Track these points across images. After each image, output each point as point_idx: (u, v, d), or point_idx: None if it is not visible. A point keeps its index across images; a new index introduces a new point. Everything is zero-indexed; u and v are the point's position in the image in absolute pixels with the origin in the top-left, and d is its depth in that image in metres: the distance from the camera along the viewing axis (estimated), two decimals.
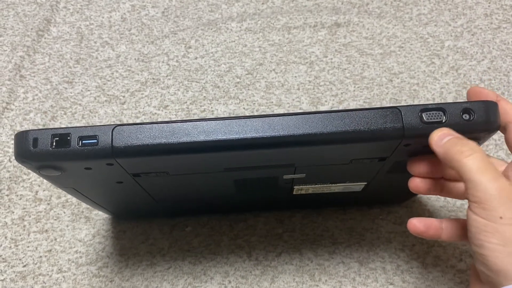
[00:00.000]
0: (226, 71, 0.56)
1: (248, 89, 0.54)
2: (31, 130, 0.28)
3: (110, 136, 0.28)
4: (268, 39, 0.59)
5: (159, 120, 0.52)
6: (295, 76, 0.55)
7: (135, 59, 0.57)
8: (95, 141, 0.28)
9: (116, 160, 0.29)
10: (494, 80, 0.55)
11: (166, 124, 0.28)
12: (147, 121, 0.52)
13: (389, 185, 0.40)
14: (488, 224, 0.27)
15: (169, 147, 0.28)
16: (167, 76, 0.56)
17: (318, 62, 0.57)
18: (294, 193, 0.39)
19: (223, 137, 0.28)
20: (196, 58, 0.57)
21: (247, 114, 0.52)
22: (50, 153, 0.28)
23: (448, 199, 0.46)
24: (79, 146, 0.28)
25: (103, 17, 0.61)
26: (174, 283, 0.42)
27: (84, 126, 0.29)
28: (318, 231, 0.45)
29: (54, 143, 0.28)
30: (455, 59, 0.57)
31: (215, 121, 0.28)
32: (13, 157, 0.48)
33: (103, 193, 0.37)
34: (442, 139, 0.28)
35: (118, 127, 0.28)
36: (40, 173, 0.30)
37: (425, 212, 0.46)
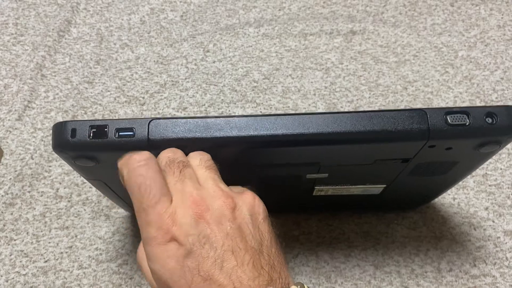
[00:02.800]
0: (243, 75, 0.57)
1: (265, 94, 0.55)
2: (70, 121, 0.29)
3: (147, 129, 0.29)
4: (284, 44, 0.60)
5: None
6: (311, 82, 0.56)
7: (154, 61, 0.58)
8: (132, 133, 0.29)
9: (151, 153, 0.29)
10: (507, 90, 0.55)
11: (201, 119, 0.29)
12: None
13: (406, 189, 0.40)
14: None
15: (202, 141, 0.29)
16: (185, 78, 0.57)
17: (334, 68, 0.58)
18: (314, 194, 0.40)
19: (254, 133, 0.29)
20: (214, 61, 0.58)
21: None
22: (88, 144, 0.29)
23: (462, 205, 0.47)
24: (116, 138, 0.29)
25: (122, 19, 0.63)
26: None
27: (121, 119, 0.29)
28: (334, 234, 0.45)
29: (91, 134, 0.29)
30: (469, 69, 0.58)
31: (247, 118, 0.29)
32: (35, 154, 0.49)
33: None
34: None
35: (154, 120, 0.29)
36: (75, 163, 0.31)
37: (439, 217, 0.46)
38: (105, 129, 0.29)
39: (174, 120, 0.29)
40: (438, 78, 0.57)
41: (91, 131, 0.29)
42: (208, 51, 0.59)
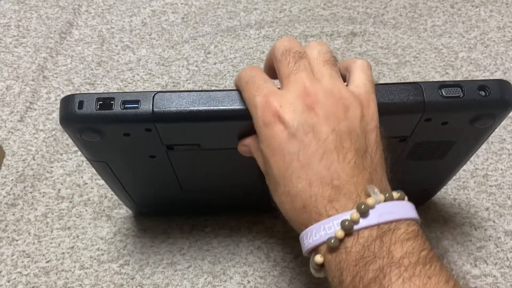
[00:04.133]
0: None
1: None
2: (77, 94, 0.30)
3: (151, 101, 0.29)
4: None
5: None
6: None
7: (155, 63, 0.58)
8: (137, 105, 0.29)
9: (155, 126, 0.30)
10: None
11: (204, 92, 0.30)
12: None
13: (406, 179, 0.40)
14: None
15: (205, 113, 0.30)
16: (187, 80, 0.57)
17: None
18: None
19: None
20: (215, 63, 0.59)
21: None
22: (94, 115, 0.29)
23: (462, 205, 0.47)
24: (122, 110, 0.29)
25: (124, 21, 0.63)
26: (194, 282, 0.43)
27: (127, 92, 0.30)
28: None
29: (98, 106, 0.29)
30: (469, 70, 0.58)
31: None
32: (37, 155, 0.50)
33: (133, 171, 0.38)
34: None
35: (159, 93, 0.30)
36: (81, 137, 0.31)
37: (440, 218, 0.47)
38: (111, 102, 0.29)
39: (178, 93, 0.30)
40: (439, 79, 0.57)
41: (98, 104, 0.29)
42: (209, 53, 0.60)
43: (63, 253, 0.44)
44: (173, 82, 0.57)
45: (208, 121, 0.30)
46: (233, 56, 0.59)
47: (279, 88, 0.29)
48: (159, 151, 0.34)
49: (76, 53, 0.59)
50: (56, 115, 0.54)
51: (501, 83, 0.31)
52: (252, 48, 0.60)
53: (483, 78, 0.57)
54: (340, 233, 0.25)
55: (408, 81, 0.57)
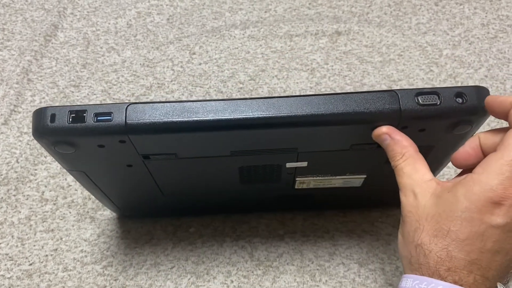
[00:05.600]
0: (229, 76, 0.57)
1: (251, 94, 0.56)
2: (49, 106, 0.29)
3: (124, 113, 0.29)
4: (270, 46, 0.60)
5: None
6: (297, 82, 0.57)
7: (140, 64, 0.58)
8: (110, 117, 0.29)
9: (129, 137, 0.30)
10: (491, 88, 0.56)
11: (177, 103, 0.30)
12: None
13: (387, 181, 0.41)
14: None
15: (179, 125, 0.29)
16: (171, 81, 0.57)
17: (319, 69, 0.58)
18: (296, 187, 0.40)
19: (230, 116, 0.29)
20: (200, 64, 0.59)
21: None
22: (67, 128, 0.29)
23: None
24: (94, 122, 0.29)
25: (109, 23, 0.63)
26: (177, 282, 0.43)
27: (100, 104, 0.30)
28: (319, 233, 0.46)
29: (70, 119, 0.29)
30: (453, 67, 0.58)
31: (223, 101, 0.30)
32: (21, 158, 0.49)
33: (112, 179, 0.38)
34: (382, 141, 0.31)
35: (132, 105, 0.30)
36: (54, 150, 0.31)
37: None
38: (84, 114, 0.29)
39: (151, 104, 0.30)
40: (423, 77, 0.57)
41: (70, 116, 0.29)
42: (194, 53, 0.60)
43: (47, 255, 0.44)
44: (158, 83, 0.57)
45: (182, 132, 0.30)
46: (218, 57, 0.59)
47: None
48: (135, 161, 0.33)
49: (61, 56, 0.59)
50: None
51: (478, 89, 0.30)
52: (237, 48, 0.60)
53: (464, 78, 0.57)
54: None
55: (392, 79, 0.57)
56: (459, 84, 0.56)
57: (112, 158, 0.33)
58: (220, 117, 0.29)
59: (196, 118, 0.29)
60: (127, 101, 0.30)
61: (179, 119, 0.29)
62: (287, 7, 0.65)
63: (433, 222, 0.28)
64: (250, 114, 0.29)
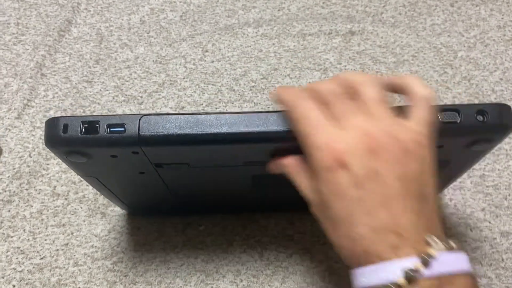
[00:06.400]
0: (242, 75, 0.57)
1: (263, 93, 0.55)
2: (62, 116, 0.29)
3: (137, 125, 0.29)
4: (283, 45, 0.60)
5: None
6: (309, 82, 0.56)
7: (153, 61, 0.58)
8: (123, 129, 0.29)
9: (142, 149, 0.30)
10: (506, 91, 0.55)
11: (191, 115, 0.30)
12: None
13: None
14: None
15: (193, 138, 0.29)
16: (184, 78, 0.57)
17: (332, 68, 0.58)
18: None
19: (244, 130, 0.29)
20: (212, 61, 0.59)
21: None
22: (79, 139, 0.29)
23: (458, 206, 0.47)
24: (107, 133, 0.29)
25: (122, 19, 0.63)
26: (186, 280, 0.43)
27: (113, 115, 0.30)
28: None
29: (83, 130, 0.29)
30: (468, 69, 0.58)
31: (238, 114, 0.30)
32: (33, 153, 0.50)
33: (123, 184, 0.38)
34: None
35: (145, 116, 0.29)
36: (67, 159, 0.31)
37: None
38: (97, 125, 0.29)
39: (164, 116, 0.30)
40: (437, 79, 0.57)
41: (83, 127, 0.29)
42: (206, 51, 0.60)
43: (57, 250, 0.45)
44: (170, 80, 0.57)
45: (196, 144, 0.30)
46: (231, 55, 0.59)
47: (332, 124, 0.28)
48: (148, 169, 0.33)
49: (75, 51, 0.60)
50: (53, 112, 0.54)
51: (501, 107, 0.30)
52: (250, 46, 0.60)
53: (479, 81, 0.57)
54: (402, 282, 0.24)
55: None
56: (474, 87, 0.56)
57: (124, 166, 0.33)
58: (235, 131, 0.29)
59: (209, 131, 0.29)
60: (138, 114, 0.30)
61: (193, 132, 0.29)
62: (300, 5, 0.64)
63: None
64: (264, 128, 0.29)
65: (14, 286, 0.42)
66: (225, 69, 0.58)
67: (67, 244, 0.45)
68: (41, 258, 0.44)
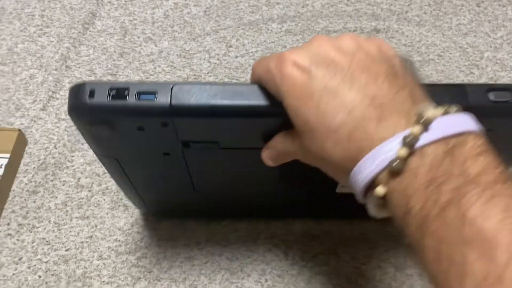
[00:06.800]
0: None
1: None
2: (88, 82, 0.27)
3: (169, 94, 0.27)
4: (307, 41, 0.60)
5: None
6: None
7: (177, 55, 0.58)
8: (154, 97, 0.27)
9: (172, 120, 0.28)
10: None
11: (229, 85, 0.28)
12: None
13: None
14: None
15: (229, 109, 0.27)
16: (208, 73, 0.57)
17: None
18: (337, 190, 0.39)
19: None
20: (236, 56, 0.58)
21: None
22: (106, 106, 0.27)
23: None
24: (137, 101, 0.27)
25: (146, 13, 0.63)
26: (211, 278, 0.43)
27: (143, 83, 0.28)
28: (355, 234, 0.45)
29: (111, 96, 0.27)
30: (494, 70, 0.57)
31: None
32: (59, 144, 0.50)
33: (144, 169, 0.36)
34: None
35: (178, 85, 0.27)
36: (90, 129, 0.29)
37: None
38: (126, 92, 0.27)
39: (199, 85, 0.27)
40: (463, 79, 0.56)
41: (111, 94, 0.27)
42: (230, 46, 0.59)
43: (82, 242, 0.45)
44: (194, 74, 0.56)
45: (231, 117, 0.28)
46: (255, 50, 0.59)
47: None
48: (174, 148, 0.32)
49: (99, 44, 0.59)
50: None
51: None
52: (274, 42, 0.60)
53: (506, 82, 0.56)
54: (404, 152, 0.22)
55: (431, 79, 0.56)
56: None
57: (149, 143, 0.31)
58: (273, 103, 0.27)
59: (247, 103, 0.27)
60: (171, 82, 0.28)
61: (230, 103, 0.27)
62: (325, 2, 0.64)
63: None
64: None
65: (40, 276, 0.42)
66: (249, 64, 0.57)
67: (91, 236, 0.45)
68: (66, 250, 0.44)
